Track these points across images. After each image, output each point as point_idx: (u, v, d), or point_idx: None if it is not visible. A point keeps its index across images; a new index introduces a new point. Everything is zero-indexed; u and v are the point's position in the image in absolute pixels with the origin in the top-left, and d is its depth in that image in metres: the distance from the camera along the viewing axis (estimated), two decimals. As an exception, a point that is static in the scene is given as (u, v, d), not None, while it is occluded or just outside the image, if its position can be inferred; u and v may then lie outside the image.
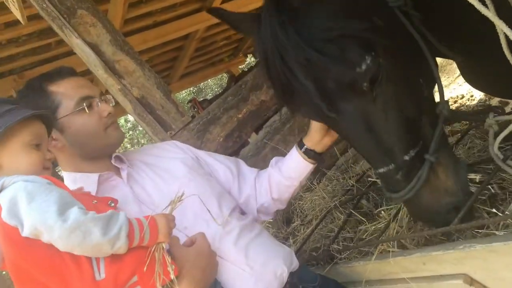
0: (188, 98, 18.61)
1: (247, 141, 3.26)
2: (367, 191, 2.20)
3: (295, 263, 1.74)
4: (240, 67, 9.42)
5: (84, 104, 1.57)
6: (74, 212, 1.17)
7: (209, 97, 18.32)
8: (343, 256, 1.93)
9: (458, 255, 1.34)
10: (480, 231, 1.40)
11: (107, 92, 2.76)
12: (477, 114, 1.44)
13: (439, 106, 1.41)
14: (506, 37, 1.09)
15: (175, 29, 5.60)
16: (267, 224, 2.79)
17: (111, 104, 1.67)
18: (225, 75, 12.37)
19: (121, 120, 17.17)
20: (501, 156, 1.38)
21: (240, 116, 3.06)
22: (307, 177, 1.92)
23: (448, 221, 1.37)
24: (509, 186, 1.52)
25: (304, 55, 1.28)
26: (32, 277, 1.20)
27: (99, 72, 2.62)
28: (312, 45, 1.28)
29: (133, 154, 1.79)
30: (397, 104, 1.34)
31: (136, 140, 18.55)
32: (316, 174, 2.82)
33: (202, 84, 18.86)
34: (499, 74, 1.55)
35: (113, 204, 1.38)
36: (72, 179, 1.61)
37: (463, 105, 5.46)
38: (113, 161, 1.66)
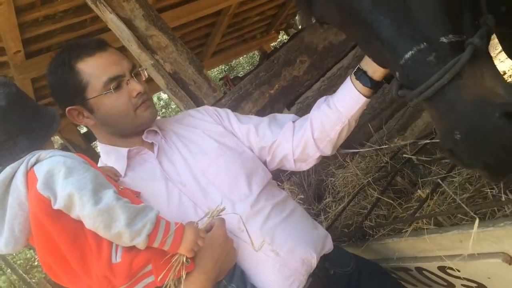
0: (220, 76, 18.66)
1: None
2: (402, 168, 2.15)
3: (328, 247, 1.67)
4: (272, 44, 9.32)
5: (112, 87, 1.51)
6: (109, 195, 1.21)
7: (240, 75, 18.33)
8: (376, 234, 1.91)
9: (498, 233, 1.29)
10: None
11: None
12: None
13: (482, 18, 1.18)
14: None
15: (208, 4, 5.56)
16: (298, 200, 2.78)
17: (144, 78, 1.64)
18: (256, 53, 12.28)
19: (154, 98, 17.38)
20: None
21: (272, 91, 3.04)
22: (357, 116, 1.66)
23: (503, 132, 1.01)
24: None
25: None
26: (55, 248, 1.24)
27: (133, 47, 2.64)
28: None
29: (168, 123, 1.77)
30: None
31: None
32: (347, 152, 2.77)
33: (233, 62, 18.84)
34: None
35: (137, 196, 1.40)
36: (105, 151, 1.64)
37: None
38: (144, 137, 1.64)
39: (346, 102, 1.61)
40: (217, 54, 8.12)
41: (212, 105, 2.77)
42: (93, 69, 1.52)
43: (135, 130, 1.62)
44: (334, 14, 1.30)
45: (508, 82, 1.16)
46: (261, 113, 2.92)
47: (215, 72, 18.29)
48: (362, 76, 1.56)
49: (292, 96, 3.14)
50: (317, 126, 1.67)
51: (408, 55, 1.13)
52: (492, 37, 1.51)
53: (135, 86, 1.55)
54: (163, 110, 19.04)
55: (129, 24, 2.64)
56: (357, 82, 1.57)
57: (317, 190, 2.81)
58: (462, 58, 1.06)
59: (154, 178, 1.57)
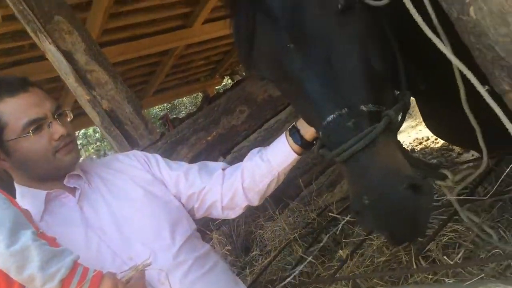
0: (161, 113, 18.48)
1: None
2: (328, 226, 2.21)
3: None
4: (216, 88, 9.44)
5: (31, 130, 1.45)
6: (26, 235, 1.14)
7: (182, 114, 18.23)
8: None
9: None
10: (430, 277, 1.41)
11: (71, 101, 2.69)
12: (433, 168, 1.41)
13: (400, 93, 1.33)
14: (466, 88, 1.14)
15: (154, 44, 5.58)
16: (226, 251, 2.76)
17: (69, 119, 1.59)
18: (200, 94, 12.37)
19: (90, 130, 16.82)
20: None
21: (209, 138, 3.05)
22: (287, 170, 1.69)
23: (407, 203, 1.11)
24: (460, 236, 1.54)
25: None
26: None
27: (70, 80, 2.57)
28: None
29: (94, 166, 1.72)
30: (364, 48, 1.25)
31: (103, 152, 18.17)
32: (279, 204, 2.82)
33: (176, 101, 18.79)
34: (457, 123, 1.52)
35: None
36: (20, 193, 1.55)
37: (427, 147, 5.58)
38: (65, 182, 1.57)
39: (278, 156, 1.65)
40: (159, 93, 8.09)
41: (147, 147, 2.74)
42: (13, 110, 1.45)
43: (55, 174, 1.55)
44: (269, 70, 1.37)
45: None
46: (196, 159, 2.91)
47: (156, 109, 18.10)
48: (295, 134, 1.62)
49: (229, 145, 3.17)
50: (247, 176, 1.69)
51: (330, 118, 1.21)
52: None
53: (57, 129, 1.49)
54: (98, 143, 18.42)
55: (68, 57, 2.59)
56: (290, 139, 1.63)
57: (245, 241, 2.80)
58: (377, 128, 1.15)
59: (72, 223, 1.50)
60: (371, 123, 1.17)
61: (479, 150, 1.39)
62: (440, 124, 1.95)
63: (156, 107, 17.43)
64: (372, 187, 1.13)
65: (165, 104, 18.40)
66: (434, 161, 5.05)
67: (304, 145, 1.62)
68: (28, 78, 1.55)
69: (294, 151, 1.63)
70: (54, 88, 5.56)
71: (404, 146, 6.19)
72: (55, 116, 1.50)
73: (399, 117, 1.33)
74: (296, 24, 1.25)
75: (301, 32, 1.25)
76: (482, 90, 1.10)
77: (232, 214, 1.80)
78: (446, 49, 1.15)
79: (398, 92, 1.37)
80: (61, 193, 1.55)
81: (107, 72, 2.69)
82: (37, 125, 1.46)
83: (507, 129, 1.12)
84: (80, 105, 2.76)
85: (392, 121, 1.18)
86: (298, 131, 1.61)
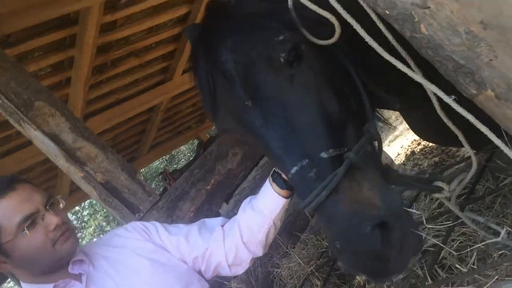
0: (161, 166, 18.51)
1: (218, 213, 3.23)
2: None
3: None
4: (208, 132, 9.50)
5: (25, 227, 1.45)
6: None
7: (182, 162, 18.26)
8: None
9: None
10: (449, 288, 1.39)
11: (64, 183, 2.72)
12: (424, 181, 1.42)
13: (366, 125, 1.35)
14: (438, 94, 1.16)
15: (139, 103, 5.66)
16: (247, 296, 2.72)
17: (61, 206, 1.60)
18: (196, 140, 12.44)
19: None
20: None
21: (208, 187, 3.05)
22: (282, 215, 1.69)
23: (374, 244, 1.13)
24: (470, 238, 1.53)
25: (228, 29, 1.34)
26: None
27: (60, 162, 2.59)
28: (239, 19, 1.35)
29: (95, 247, 1.72)
30: (316, 95, 1.29)
31: (111, 217, 18.13)
32: (291, 238, 2.80)
33: (175, 151, 18.89)
34: (437, 125, 1.53)
35: None
36: None
37: (426, 147, 5.57)
38: (70, 269, 1.57)
39: (268, 203, 1.65)
40: (154, 148, 8.14)
41: (149, 210, 2.74)
42: (4, 211, 1.45)
43: (58, 264, 1.55)
44: (233, 125, 1.42)
45: (388, 186, 1.28)
46: (199, 211, 2.90)
47: (156, 163, 18.15)
48: (277, 179, 1.62)
49: (229, 189, 3.16)
50: (244, 230, 1.69)
51: (293, 170, 1.24)
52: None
53: (52, 219, 1.49)
54: (105, 210, 18.38)
55: (55, 138, 2.62)
56: (274, 185, 1.63)
57: (264, 284, 2.77)
58: (338, 175, 1.17)
59: None
60: (334, 169, 1.19)
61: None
62: (424, 130, 1.97)
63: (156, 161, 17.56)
64: (339, 232, 1.17)
65: (164, 157, 18.54)
66: (436, 159, 5.05)
67: (290, 187, 1.62)
68: (15, 175, 1.57)
69: (282, 196, 1.62)
70: (48, 168, 5.60)
71: (404, 148, 6.19)
72: (47, 207, 1.51)
73: (374, 145, 1.37)
74: (250, 83, 1.30)
75: (256, 90, 1.30)
76: (449, 100, 1.12)
77: (240, 270, 1.80)
78: (407, 69, 1.18)
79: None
80: (67, 283, 1.54)
81: (96, 145, 2.71)
82: (31, 220, 1.46)
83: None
84: (77, 183, 2.77)
85: (354, 162, 1.20)
86: (280, 175, 1.62)
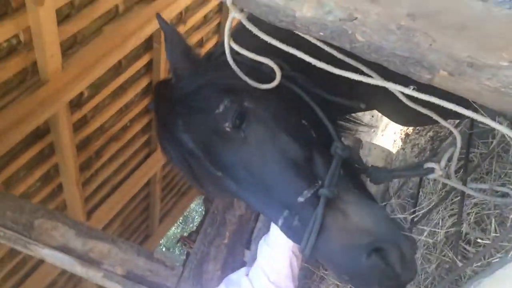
0: (178, 230, 18.37)
1: (244, 262, 3.21)
2: None
3: None
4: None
5: None
6: None
7: (197, 219, 18.12)
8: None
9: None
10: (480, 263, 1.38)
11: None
12: (414, 167, 1.46)
13: (333, 146, 1.37)
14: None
15: (134, 182, 5.68)
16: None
17: None
18: (202, 194, 12.40)
19: None
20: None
21: (226, 241, 3.04)
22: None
23: (376, 268, 1.17)
24: (483, 208, 1.54)
25: (176, 113, 1.42)
26: None
27: (77, 269, 2.60)
28: (182, 101, 1.43)
29: None
30: (274, 146, 1.33)
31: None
32: (319, 264, 2.77)
33: (186, 211, 18.81)
34: (409, 111, 1.55)
35: None
36: None
37: (414, 130, 5.56)
38: None
39: (280, 234, 1.62)
40: (164, 218, 8.11)
41: (177, 283, 2.72)
42: None
43: None
44: (213, 191, 1.52)
45: (371, 203, 1.31)
46: (225, 267, 2.89)
47: (172, 229, 18.02)
48: None
49: (246, 235, 3.16)
50: (268, 270, 1.69)
51: (279, 223, 1.30)
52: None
53: None
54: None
55: (64, 249, 2.62)
56: None
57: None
58: (317, 216, 1.21)
59: None
60: (314, 208, 1.23)
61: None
62: (401, 118, 2.02)
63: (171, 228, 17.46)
64: (340, 267, 1.22)
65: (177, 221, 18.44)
66: (430, 133, 5.07)
67: None
68: None
69: None
70: (70, 275, 5.54)
71: (398, 133, 6.21)
72: None
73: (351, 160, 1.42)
74: (212, 156, 1.37)
75: (219, 161, 1.37)
76: (408, 91, 1.16)
77: None
78: (362, 77, 1.22)
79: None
80: None
81: (105, 241, 2.71)
82: None
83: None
84: (100, 284, 2.75)
85: (331, 196, 1.24)
86: None
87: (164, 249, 19.20)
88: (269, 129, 1.36)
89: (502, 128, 1.18)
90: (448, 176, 1.42)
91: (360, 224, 1.21)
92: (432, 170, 1.37)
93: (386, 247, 1.19)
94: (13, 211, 2.63)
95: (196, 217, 18.83)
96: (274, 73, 1.38)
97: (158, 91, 1.60)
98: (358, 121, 1.79)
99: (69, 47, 3.63)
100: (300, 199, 1.25)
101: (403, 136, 5.93)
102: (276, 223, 1.30)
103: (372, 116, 7.50)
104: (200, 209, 18.67)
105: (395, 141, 6.24)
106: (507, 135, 1.29)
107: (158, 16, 1.56)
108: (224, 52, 1.39)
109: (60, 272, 5.03)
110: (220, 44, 1.55)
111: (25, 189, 3.87)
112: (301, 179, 1.28)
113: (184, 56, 1.52)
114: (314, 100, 1.45)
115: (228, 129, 1.34)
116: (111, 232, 5.83)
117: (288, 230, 1.28)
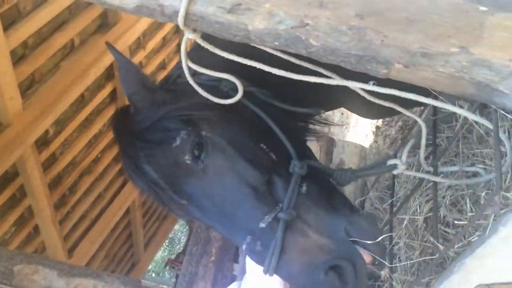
0: (165, 254, 18.12)
1: (234, 276, 3.19)
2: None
3: None
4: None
5: None
6: None
7: (183, 239, 17.90)
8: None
9: (460, 275, 1.34)
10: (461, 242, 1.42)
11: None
12: (378, 165, 1.49)
13: (291, 165, 1.41)
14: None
15: (113, 213, 5.60)
16: None
17: None
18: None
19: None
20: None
21: (213, 258, 3.03)
22: None
23: (333, 285, 1.26)
24: (457, 189, 1.57)
25: (136, 146, 1.45)
26: None
27: (64, 310, 2.52)
28: (140, 135, 1.45)
29: None
30: (233, 173, 1.37)
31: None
32: None
33: (171, 234, 18.58)
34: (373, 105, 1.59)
35: None
36: None
37: (383, 122, 5.66)
38: None
39: None
40: (149, 244, 8.01)
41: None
42: None
43: None
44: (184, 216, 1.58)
45: (336, 222, 1.35)
46: (215, 283, 2.88)
47: (159, 254, 17.75)
48: None
49: (233, 249, 3.16)
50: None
51: (243, 247, 1.35)
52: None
53: None
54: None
55: (49, 291, 2.55)
56: None
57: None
58: (277, 240, 1.27)
59: None
60: (275, 232, 1.28)
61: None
62: (366, 113, 2.07)
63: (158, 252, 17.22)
64: (301, 285, 1.30)
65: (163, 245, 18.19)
66: (399, 123, 5.17)
67: None
68: None
69: None
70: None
71: (368, 127, 6.32)
72: None
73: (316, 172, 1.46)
74: (175, 186, 1.41)
75: (182, 191, 1.41)
76: (369, 87, 1.19)
77: None
78: (322, 79, 1.24)
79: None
80: None
81: (89, 277, 2.65)
82: None
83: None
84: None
85: (289, 218, 1.30)
86: None
87: (153, 275, 18.89)
88: (228, 158, 1.39)
89: (462, 111, 1.22)
90: (415, 166, 1.46)
91: (318, 243, 1.29)
92: (395, 166, 1.41)
93: (341, 264, 1.26)
94: (-10, 261, 2.55)
95: (182, 237, 18.61)
96: (233, 90, 1.40)
97: (118, 123, 1.60)
98: (329, 122, 1.83)
99: (28, 87, 3.56)
100: (262, 225, 1.30)
101: (374, 129, 6.03)
102: (241, 246, 1.36)
103: (342, 114, 7.61)
104: (185, 229, 18.46)
105: (367, 135, 6.34)
106: (469, 118, 1.33)
107: (109, 46, 1.56)
108: (180, 75, 1.40)
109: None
110: (176, 67, 1.56)
111: (0, 236, 3.76)
112: (261, 205, 1.33)
113: (140, 85, 1.53)
114: (273, 116, 1.46)
115: (187, 161, 1.37)
116: (96, 266, 5.71)
117: (252, 254, 1.34)
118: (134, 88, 1.52)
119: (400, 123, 5.10)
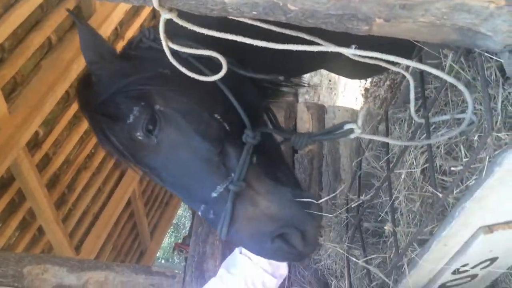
0: (172, 239, 18.28)
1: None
2: (361, 216, 2.23)
3: None
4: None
5: None
6: None
7: (187, 225, 18.06)
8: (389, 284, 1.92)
9: (461, 220, 1.37)
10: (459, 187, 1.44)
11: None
12: (334, 130, 1.52)
13: (244, 135, 1.47)
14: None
15: (115, 205, 5.62)
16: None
17: None
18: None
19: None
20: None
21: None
22: None
23: (280, 251, 1.42)
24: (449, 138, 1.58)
25: (97, 118, 1.53)
26: None
27: (79, 304, 2.56)
28: (99, 108, 1.52)
29: None
30: (186, 146, 1.43)
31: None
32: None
33: (174, 219, 18.70)
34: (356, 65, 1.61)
35: None
36: None
37: (371, 84, 5.66)
38: None
39: None
40: (155, 231, 8.07)
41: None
42: None
43: None
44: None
45: (283, 190, 1.48)
46: (224, 260, 2.90)
47: (166, 241, 17.90)
48: None
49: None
50: None
51: (200, 213, 1.48)
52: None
53: None
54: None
55: (61, 288, 2.58)
56: None
57: (319, 281, 2.78)
58: (227, 210, 1.37)
59: None
60: (226, 201, 1.38)
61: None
62: (350, 73, 2.10)
63: (165, 239, 17.36)
64: (252, 250, 1.47)
65: (169, 231, 18.32)
66: (387, 82, 5.18)
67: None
68: None
69: None
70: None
71: (357, 90, 6.33)
72: None
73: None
74: (135, 158, 1.51)
75: (141, 163, 1.51)
76: (352, 51, 1.19)
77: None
78: (305, 47, 1.24)
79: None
80: None
81: (99, 269, 2.69)
82: None
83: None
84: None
85: (239, 190, 1.40)
86: None
87: (162, 261, 19.08)
88: (180, 131, 1.44)
89: (439, 73, 1.23)
90: (407, 120, 1.47)
91: (267, 212, 1.40)
92: (351, 131, 1.43)
93: (288, 231, 1.38)
94: (-2, 266, 2.56)
95: (186, 222, 18.75)
96: (208, 65, 1.43)
97: (80, 94, 1.63)
98: (301, 84, 1.89)
99: (11, 91, 3.52)
100: (214, 195, 1.39)
101: (363, 92, 6.05)
102: (198, 211, 1.47)
103: (330, 80, 7.60)
104: (188, 214, 18.59)
105: (356, 98, 6.36)
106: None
107: (70, 12, 1.56)
108: (141, 40, 1.49)
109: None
110: (140, 32, 1.55)
111: (5, 241, 3.77)
112: (214, 176, 1.41)
113: (99, 54, 1.54)
114: (232, 82, 1.49)
115: (139, 138, 1.43)
116: (104, 259, 5.76)
117: (207, 221, 1.47)
118: (94, 57, 1.53)
119: (388, 82, 5.11)
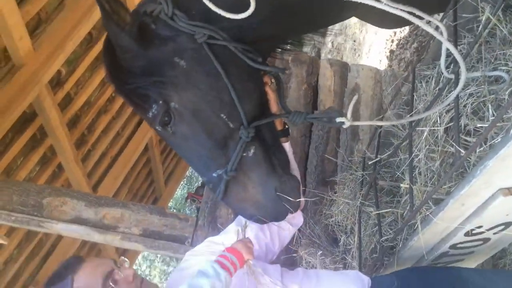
0: (184, 191, 18.61)
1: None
2: (377, 173, 2.22)
3: (367, 281, 1.77)
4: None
5: (110, 283, 1.59)
6: None
7: (200, 179, 18.31)
8: (399, 242, 1.93)
9: (482, 179, 1.35)
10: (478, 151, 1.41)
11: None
12: (327, 119, 1.65)
13: (240, 132, 1.72)
14: None
15: (133, 150, 5.70)
16: (321, 257, 2.77)
17: (126, 264, 1.70)
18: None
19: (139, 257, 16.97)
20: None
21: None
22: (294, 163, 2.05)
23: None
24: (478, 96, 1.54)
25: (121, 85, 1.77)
26: None
27: (96, 237, 2.65)
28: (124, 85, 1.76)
29: (175, 280, 1.80)
30: (196, 139, 1.73)
31: (167, 258, 18.32)
32: (327, 186, 2.84)
33: (188, 172, 18.96)
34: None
35: None
36: None
37: (397, 46, 5.52)
38: None
39: None
40: (169, 180, 8.20)
41: (194, 233, 2.79)
42: (86, 277, 1.60)
43: None
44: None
45: (269, 184, 1.80)
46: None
47: (178, 192, 18.24)
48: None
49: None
50: None
51: (204, 179, 1.87)
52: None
53: (127, 272, 1.66)
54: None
55: (79, 221, 2.67)
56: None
57: (328, 236, 2.81)
58: (220, 191, 1.75)
59: None
60: (222, 182, 1.73)
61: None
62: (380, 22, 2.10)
63: (177, 190, 17.67)
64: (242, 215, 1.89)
65: (182, 182, 18.63)
66: (414, 45, 5.03)
67: (282, 135, 1.99)
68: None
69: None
70: (89, 247, 5.68)
71: (382, 52, 6.18)
72: (118, 265, 1.68)
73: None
74: (163, 136, 1.84)
75: (167, 140, 1.84)
76: (381, 6, 1.15)
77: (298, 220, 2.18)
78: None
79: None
80: None
81: (116, 206, 2.76)
82: (111, 278, 1.61)
83: None
84: (119, 246, 2.82)
85: (228, 178, 1.72)
86: None
87: (174, 211, 19.51)
88: (191, 128, 1.72)
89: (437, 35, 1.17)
90: (435, 77, 1.43)
91: (253, 199, 1.76)
92: (342, 123, 1.56)
93: (266, 220, 1.80)
94: (19, 195, 2.65)
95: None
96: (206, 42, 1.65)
97: (107, 56, 1.74)
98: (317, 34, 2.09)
99: (35, 28, 3.52)
100: (214, 175, 1.75)
101: (388, 54, 5.91)
102: (202, 177, 1.86)
103: (354, 41, 7.43)
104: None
105: (381, 60, 6.22)
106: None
107: None
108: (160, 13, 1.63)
109: (80, 245, 5.15)
110: (160, 4, 1.59)
111: (26, 174, 3.88)
112: (215, 162, 1.74)
113: (121, 29, 1.60)
114: (235, 69, 1.70)
115: (159, 128, 1.74)
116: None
117: (208, 185, 1.86)
118: (116, 30, 1.60)
119: (415, 45, 4.97)
